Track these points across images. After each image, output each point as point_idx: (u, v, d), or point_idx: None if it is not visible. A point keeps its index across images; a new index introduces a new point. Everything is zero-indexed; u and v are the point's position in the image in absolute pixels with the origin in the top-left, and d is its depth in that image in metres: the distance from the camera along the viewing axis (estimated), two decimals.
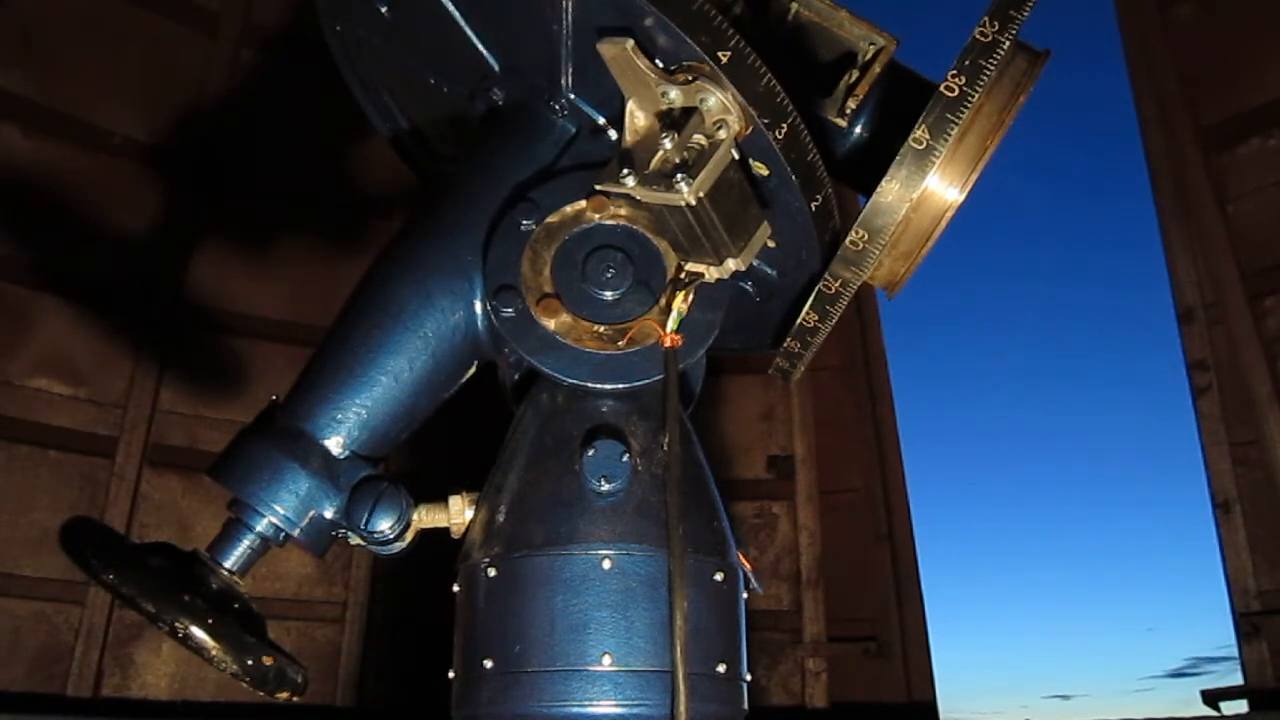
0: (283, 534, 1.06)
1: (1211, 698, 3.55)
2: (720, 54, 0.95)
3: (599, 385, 1.09)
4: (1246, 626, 3.49)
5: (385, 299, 1.13)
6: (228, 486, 1.06)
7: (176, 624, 0.95)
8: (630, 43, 0.97)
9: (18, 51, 3.56)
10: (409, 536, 1.10)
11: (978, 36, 0.98)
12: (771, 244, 1.11)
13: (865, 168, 1.13)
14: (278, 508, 1.05)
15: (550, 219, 1.13)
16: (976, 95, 0.97)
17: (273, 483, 1.05)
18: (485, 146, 1.24)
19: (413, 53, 1.34)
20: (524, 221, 1.12)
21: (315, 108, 2.98)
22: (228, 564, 1.05)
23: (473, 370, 1.19)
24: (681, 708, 0.95)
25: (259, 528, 1.05)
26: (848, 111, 1.15)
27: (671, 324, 1.08)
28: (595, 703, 0.98)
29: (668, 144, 0.97)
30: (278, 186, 4.00)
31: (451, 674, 1.09)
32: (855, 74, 1.16)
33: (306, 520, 1.06)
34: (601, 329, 1.10)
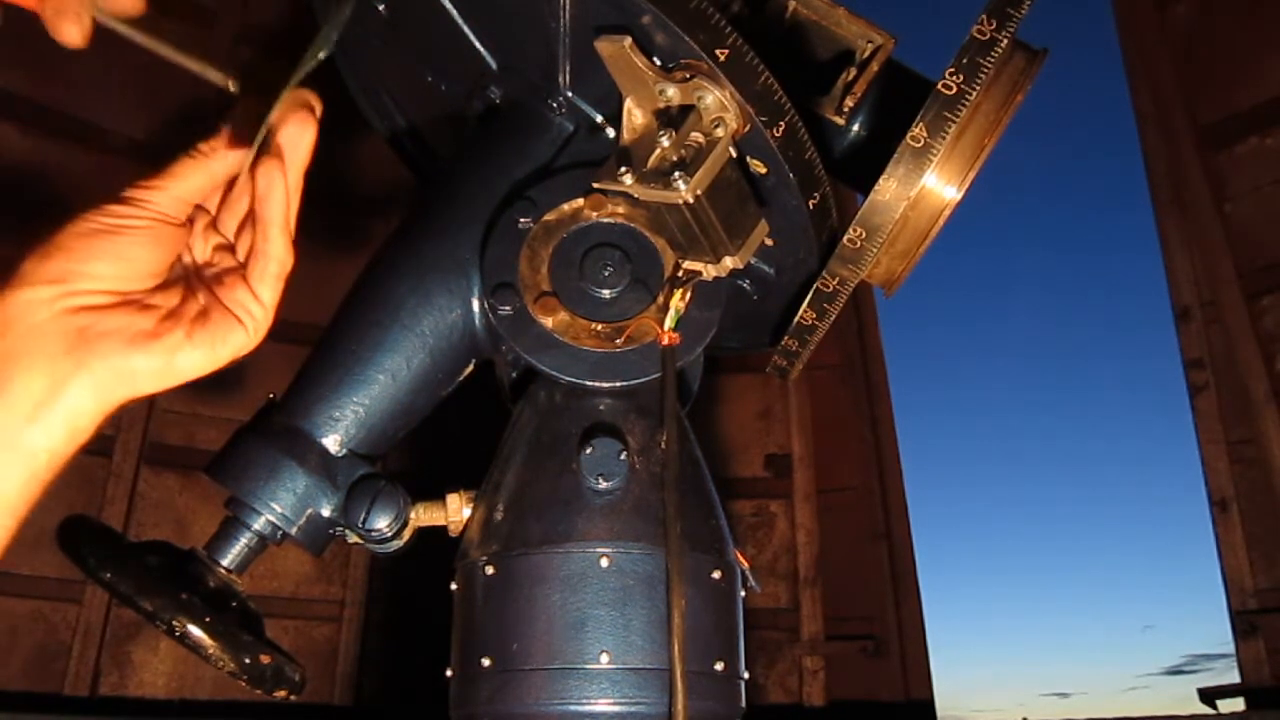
0: (280, 532, 1.06)
1: (1208, 695, 3.56)
2: (718, 52, 0.95)
3: (596, 383, 1.09)
4: (1243, 624, 3.49)
5: (383, 297, 1.13)
6: (225, 485, 1.06)
7: (174, 622, 0.95)
8: (628, 40, 0.97)
9: (15, 50, 3.56)
10: (406, 535, 1.10)
11: (975, 34, 0.98)
12: (769, 242, 1.11)
13: (863, 166, 1.13)
14: (275, 506, 1.05)
15: (548, 217, 1.13)
16: (974, 93, 0.97)
17: (270, 481, 1.05)
18: (483, 145, 1.24)
19: (410, 51, 1.34)
20: (522, 219, 1.12)
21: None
22: (225, 562, 1.05)
23: (470, 368, 1.19)
24: (679, 705, 0.95)
25: (256, 526, 1.05)
26: (845, 110, 1.15)
27: (669, 322, 1.08)
28: (593, 700, 0.98)
29: (665, 142, 0.97)
30: None
31: (449, 672, 1.09)
32: (853, 72, 1.16)
33: (304, 518, 1.06)
34: (599, 327, 1.10)
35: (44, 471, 0.69)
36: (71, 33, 0.72)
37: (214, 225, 0.83)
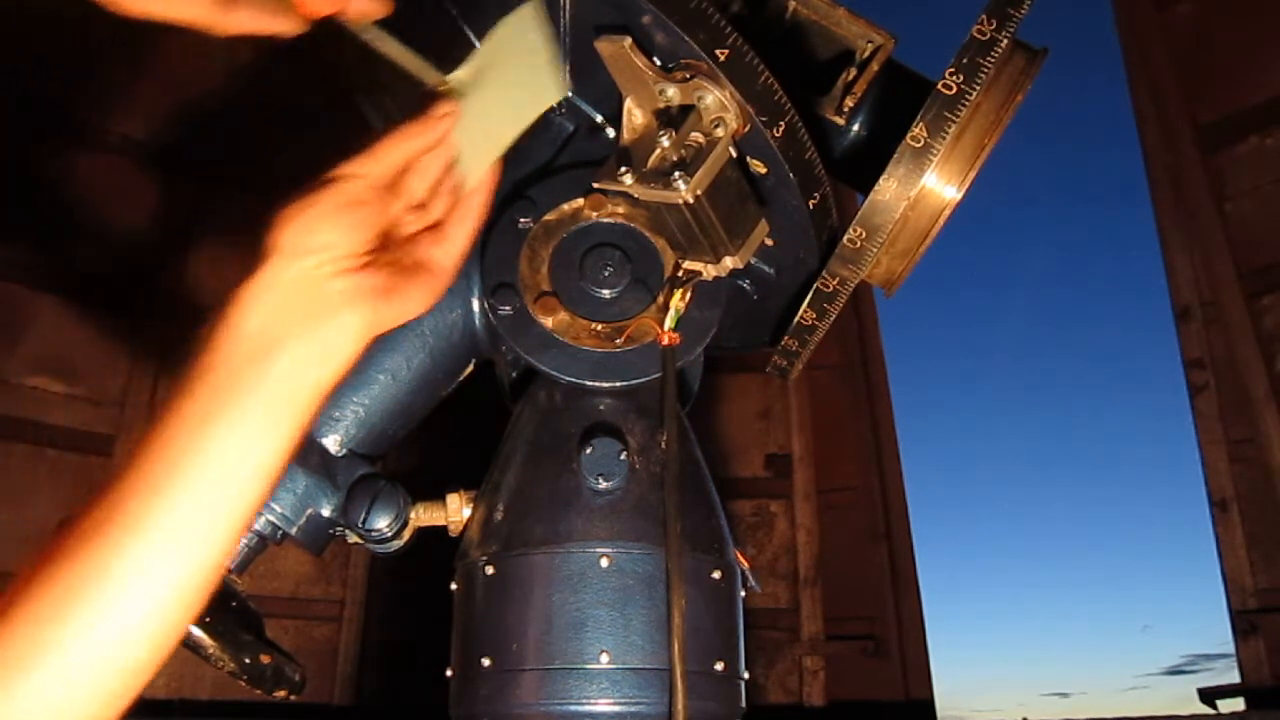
0: (280, 532, 1.06)
1: (1208, 695, 3.56)
2: (718, 52, 0.95)
3: (597, 383, 1.09)
4: (1243, 624, 3.49)
5: None
6: None
7: None
8: (628, 40, 0.97)
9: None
10: (406, 535, 1.10)
11: (975, 34, 0.98)
12: (769, 242, 1.11)
13: (863, 166, 1.13)
14: (275, 505, 1.05)
15: (548, 217, 1.13)
16: (974, 93, 0.97)
17: None
18: None
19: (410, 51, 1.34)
20: (522, 219, 1.12)
21: (314, 106, 2.97)
22: None
23: (470, 368, 1.19)
24: (679, 705, 0.95)
25: (256, 526, 1.05)
26: (846, 110, 1.15)
27: (669, 322, 1.08)
28: (593, 701, 0.98)
29: (665, 142, 0.97)
30: (275, 185, 3.99)
31: (449, 672, 1.09)
32: (853, 72, 1.16)
33: (304, 518, 1.06)
34: (599, 327, 1.10)
35: (315, 405, 0.81)
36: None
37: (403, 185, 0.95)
